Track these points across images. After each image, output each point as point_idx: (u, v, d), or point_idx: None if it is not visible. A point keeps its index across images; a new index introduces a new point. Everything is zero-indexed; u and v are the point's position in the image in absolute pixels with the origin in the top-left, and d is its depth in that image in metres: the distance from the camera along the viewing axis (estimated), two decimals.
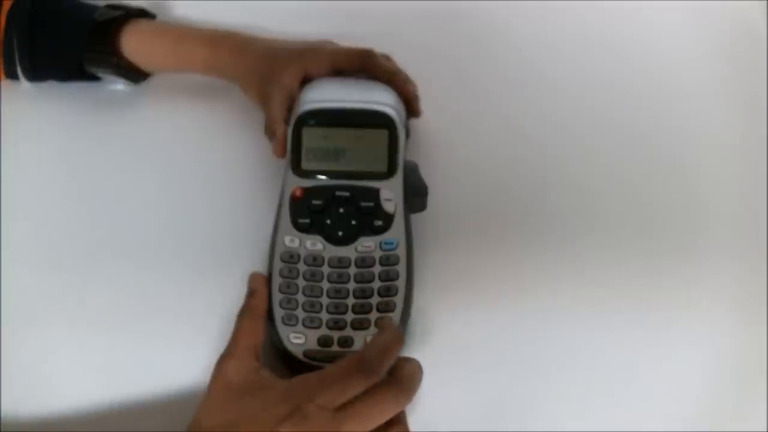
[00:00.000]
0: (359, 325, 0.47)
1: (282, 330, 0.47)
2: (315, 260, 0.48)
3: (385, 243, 0.49)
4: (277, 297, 0.48)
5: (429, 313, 0.51)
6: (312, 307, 0.48)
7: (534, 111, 0.61)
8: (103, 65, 0.60)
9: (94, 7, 0.61)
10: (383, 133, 0.49)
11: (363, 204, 0.49)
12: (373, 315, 0.47)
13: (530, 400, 0.49)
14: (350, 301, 0.48)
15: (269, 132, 0.53)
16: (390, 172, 0.49)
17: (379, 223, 0.49)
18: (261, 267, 0.50)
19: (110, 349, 0.51)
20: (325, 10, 0.66)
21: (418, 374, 0.43)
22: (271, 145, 0.53)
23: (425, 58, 0.60)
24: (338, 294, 0.48)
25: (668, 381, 0.50)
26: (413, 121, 0.56)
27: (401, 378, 0.42)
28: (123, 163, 0.60)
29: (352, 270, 0.48)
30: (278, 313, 0.48)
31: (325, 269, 0.48)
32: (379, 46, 0.56)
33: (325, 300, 0.48)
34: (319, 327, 0.47)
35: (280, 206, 0.50)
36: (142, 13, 0.62)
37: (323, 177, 0.50)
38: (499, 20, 0.66)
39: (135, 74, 0.62)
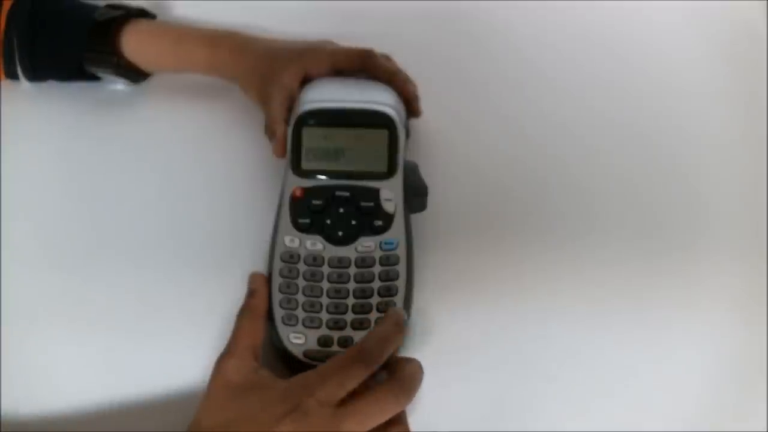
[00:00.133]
0: (359, 325, 0.47)
1: (282, 330, 0.47)
2: (315, 260, 0.48)
3: (385, 243, 0.49)
4: (277, 297, 0.48)
5: (429, 313, 0.51)
6: (312, 307, 0.48)
7: (534, 111, 0.61)
8: (103, 65, 0.60)
9: (94, 7, 0.61)
10: (383, 133, 0.49)
11: (363, 204, 0.49)
12: (373, 315, 0.47)
13: (530, 400, 0.49)
14: (350, 301, 0.48)
15: (269, 132, 0.53)
16: (390, 172, 0.49)
17: (379, 223, 0.49)
18: (261, 267, 0.50)
19: (110, 349, 0.51)
20: (325, 10, 0.66)
21: (418, 374, 0.43)
22: (271, 145, 0.53)
23: (425, 58, 0.60)
24: (338, 294, 0.48)
25: (668, 381, 0.50)
26: (413, 121, 0.56)
27: (402, 378, 0.42)
28: (123, 163, 0.60)
29: (352, 270, 0.48)
30: (278, 313, 0.48)
31: (325, 269, 0.48)
32: (379, 46, 0.56)
33: (325, 300, 0.48)
34: (319, 327, 0.47)
35: (280, 206, 0.50)
36: (142, 13, 0.62)
37: (323, 177, 0.50)
38: (499, 20, 0.66)
39: (135, 74, 0.62)
